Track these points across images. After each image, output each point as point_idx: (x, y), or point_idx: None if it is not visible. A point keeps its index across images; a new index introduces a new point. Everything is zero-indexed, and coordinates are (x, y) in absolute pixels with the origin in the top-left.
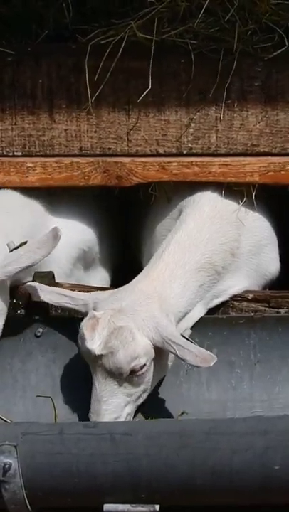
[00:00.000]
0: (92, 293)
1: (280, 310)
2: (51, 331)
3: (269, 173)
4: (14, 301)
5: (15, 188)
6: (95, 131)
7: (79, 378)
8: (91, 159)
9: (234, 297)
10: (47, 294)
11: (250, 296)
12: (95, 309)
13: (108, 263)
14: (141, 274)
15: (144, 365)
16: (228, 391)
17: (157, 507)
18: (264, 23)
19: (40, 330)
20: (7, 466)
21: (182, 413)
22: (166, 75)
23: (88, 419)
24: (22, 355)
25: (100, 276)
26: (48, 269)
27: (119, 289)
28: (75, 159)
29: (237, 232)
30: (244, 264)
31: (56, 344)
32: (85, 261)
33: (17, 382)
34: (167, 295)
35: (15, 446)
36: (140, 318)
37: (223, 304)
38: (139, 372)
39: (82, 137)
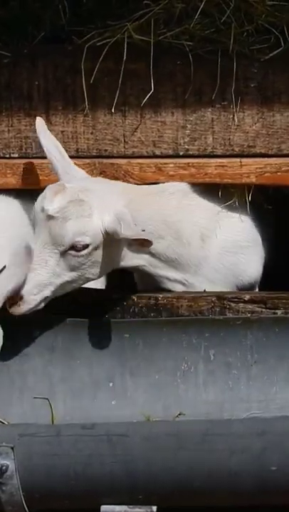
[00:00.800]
0: (76, 171)
1: (276, 311)
2: (48, 332)
3: (265, 175)
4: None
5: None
6: (92, 133)
7: (76, 379)
8: (88, 161)
9: (231, 298)
10: (45, 138)
11: (247, 297)
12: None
13: None
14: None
15: (87, 246)
16: (225, 392)
17: (154, 508)
18: (260, 24)
19: (37, 331)
20: (4, 467)
21: (179, 414)
22: (163, 76)
23: (86, 420)
24: (19, 357)
25: None
26: None
27: (100, 178)
28: (71, 161)
29: (213, 224)
30: (215, 257)
31: (53, 345)
32: None
33: (14, 383)
34: (137, 213)
35: (12, 448)
36: (105, 203)
37: (220, 305)
38: (79, 252)
39: (79, 139)
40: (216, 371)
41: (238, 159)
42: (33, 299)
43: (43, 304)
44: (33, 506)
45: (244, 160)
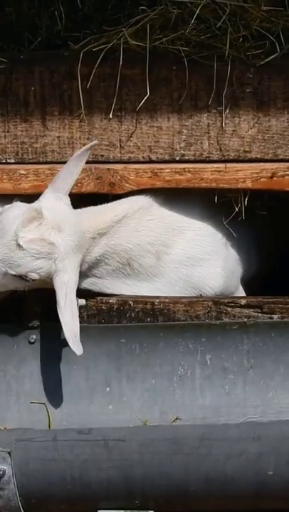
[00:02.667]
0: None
1: (273, 316)
2: (45, 337)
3: (261, 180)
4: (8, 308)
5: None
6: (88, 138)
7: (73, 384)
8: (84, 166)
9: (227, 303)
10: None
11: (243, 301)
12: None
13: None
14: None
15: (34, 280)
16: (222, 397)
17: None
18: (255, 29)
19: (34, 336)
20: (1, 472)
21: (176, 419)
22: (159, 81)
23: (83, 425)
24: (16, 362)
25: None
26: None
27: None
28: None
29: (172, 239)
30: (171, 272)
31: (50, 350)
32: None
33: (11, 388)
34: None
35: (9, 453)
36: (69, 251)
37: (217, 310)
38: (22, 280)
39: (75, 144)
40: (213, 376)
41: (234, 164)
42: None
43: None
44: (30, 511)
45: (240, 165)
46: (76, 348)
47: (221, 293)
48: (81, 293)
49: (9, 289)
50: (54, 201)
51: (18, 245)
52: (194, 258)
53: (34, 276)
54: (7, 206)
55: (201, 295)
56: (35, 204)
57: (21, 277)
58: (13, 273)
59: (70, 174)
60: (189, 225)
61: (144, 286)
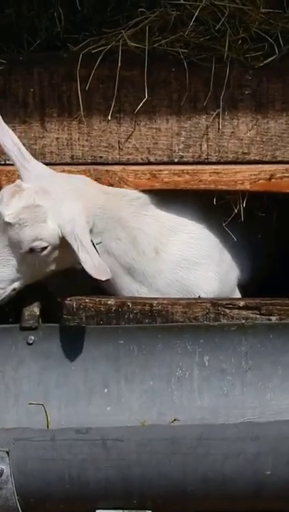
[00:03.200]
0: (35, 167)
1: (271, 317)
2: (43, 338)
3: (260, 181)
4: (6, 309)
5: None
6: (87, 140)
7: (71, 385)
8: (82, 167)
9: (225, 305)
10: (2, 133)
11: (242, 303)
12: (25, 179)
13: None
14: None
15: (45, 247)
16: (220, 398)
17: None
18: (254, 31)
19: (32, 337)
20: None
21: (174, 420)
22: (157, 83)
23: (81, 426)
24: (14, 363)
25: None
26: None
27: (72, 176)
28: (66, 167)
29: (166, 238)
30: (169, 272)
31: (48, 352)
32: None
33: (9, 389)
34: (94, 209)
35: (7, 452)
36: (61, 205)
37: (215, 311)
38: (39, 254)
39: (74, 146)
40: (211, 377)
41: (232, 166)
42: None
43: (13, 294)
44: (28, 510)
45: (238, 167)
46: (101, 276)
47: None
48: (80, 292)
49: (42, 272)
50: (32, 171)
51: (7, 223)
52: (189, 261)
53: (40, 244)
54: None
55: (199, 296)
56: (16, 183)
57: (32, 253)
58: (22, 251)
59: (12, 145)
60: (184, 227)
61: (147, 284)
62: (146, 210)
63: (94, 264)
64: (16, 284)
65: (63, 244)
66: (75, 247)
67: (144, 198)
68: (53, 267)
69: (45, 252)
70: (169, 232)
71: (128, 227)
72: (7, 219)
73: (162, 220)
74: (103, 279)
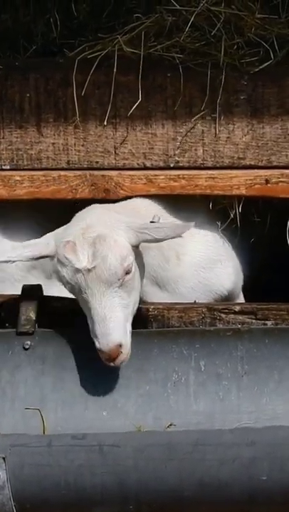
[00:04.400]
0: (50, 233)
1: (266, 322)
2: (39, 343)
3: (255, 186)
4: (2, 314)
5: None
6: (83, 145)
7: (67, 390)
8: (79, 173)
9: (221, 309)
10: (5, 254)
11: (237, 308)
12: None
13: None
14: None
15: (133, 262)
16: (216, 403)
17: None
18: (250, 37)
19: (29, 342)
20: None
21: (170, 425)
22: (153, 88)
23: (78, 431)
24: (10, 368)
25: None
26: None
27: (72, 219)
28: (62, 173)
29: (185, 240)
30: (191, 275)
31: (44, 356)
32: (43, 269)
33: (5, 394)
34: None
35: (3, 458)
36: (109, 224)
37: (211, 316)
38: (131, 272)
39: (70, 151)
40: (207, 382)
41: (228, 171)
42: (127, 340)
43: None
44: None
45: (234, 172)
46: (187, 227)
47: (231, 293)
48: None
49: (139, 288)
50: (49, 237)
51: (89, 270)
52: (210, 259)
53: (128, 259)
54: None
55: (195, 301)
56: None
57: (127, 274)
58: (120, 280)
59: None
60: (198, 229)
61: (170, 290)
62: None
63: (174, 227)
64: (129, 325)
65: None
66: (148, 237)
67: (154, 204)
68: (139, 288)
69: (133, 267)
70: (185, 235)
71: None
72: (89, 266)
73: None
74: (189, 228)
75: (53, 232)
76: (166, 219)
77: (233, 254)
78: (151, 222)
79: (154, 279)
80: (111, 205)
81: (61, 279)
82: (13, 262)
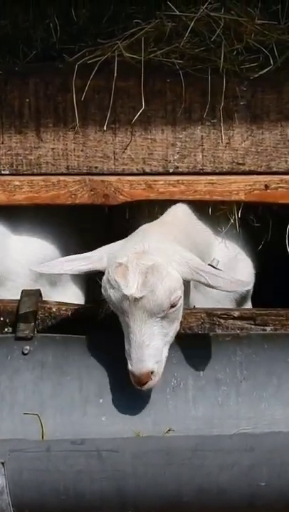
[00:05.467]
0: (103, 247)
1: (265, 327)
2: (38, 348)
3: (254, 192)
4: (1, 319)
5: None
6: (82, 150)
7: (66, 395)
8: (78, 178)
9: (220, 315)
10: (59, 266)
11: (236, 313)
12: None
13: (79, 278)
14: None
15: (181, 297)
16: (215, 408)
17: None
18: (250, 43)
19: (28, 347)
20: None
21: (169, 430)
22: (153, 94)
23: (76, 436)
24: (9, 373)
25: (71, 292)
26: (7, 283)
27: (130, 236)
28: (62, 178)
29: (212, 243)
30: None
31: (43, 361)
32: (48, 276)
33: (4, 399)
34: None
35: (2, 463)
36: (166, 254)
37: (210, 321)
38: (177, 305)
39: (69, 156)
40: (206, 387)
41: (227, 176)
42: (161, 365)
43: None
44: None
45: (233, 177)
46: (241, 287)
47: (248, 291)
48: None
49: (180, 320)
50: (103, 253)
51: (140, 298)
52: (234, 259)
53: (177, 294)
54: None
55: (194, 306)
56: (112, 259)
57: (173, 307)
58: (164, 312)
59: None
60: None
61: (203, 292)
62: (194, 223)
63: (229, 282)
64: (165, 351)
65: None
66: (203, 280)
67: (187, 209)
68: (181, 318)
69: (180, 301)
70: (213, 236)
71: (193, 238)
72: (138, 295)
73: (206, 227)
74: (244, 288)
75: (106, 247)
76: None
77: (249, 253)
78: (209, 264)
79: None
80: (168, 227)
81: (106, 297)
82: (64, 273)
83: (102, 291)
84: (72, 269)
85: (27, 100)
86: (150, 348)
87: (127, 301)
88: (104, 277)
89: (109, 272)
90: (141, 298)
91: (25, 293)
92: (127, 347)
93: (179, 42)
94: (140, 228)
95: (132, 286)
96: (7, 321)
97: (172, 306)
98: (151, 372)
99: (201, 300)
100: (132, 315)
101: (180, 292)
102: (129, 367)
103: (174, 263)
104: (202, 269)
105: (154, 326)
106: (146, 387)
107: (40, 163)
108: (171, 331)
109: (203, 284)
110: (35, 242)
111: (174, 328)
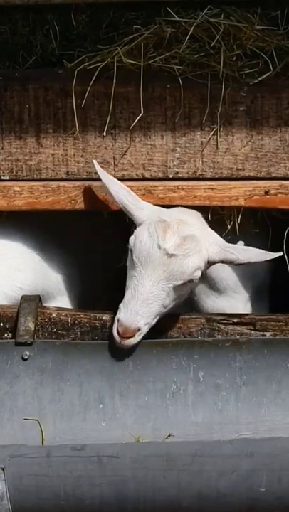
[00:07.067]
0: (144, 202)
1: (265, 333)
2: (38, 354)
3: (254, 197)
4: (1, 324)
5: None
6: (82, 156)
7: (66, 401)
8: (78, 183)
9: (220, 320)
10: (114, 184)
11: (236, 319)
12: (141, 217)
13: (68, 293)
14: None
15: (198, 278)
16: (214, 413)
17: None
18: (249, 48)
19: (27, 353)
20: None
21: (168, 436)
22: (152, 99)
23: (76, 441)
24: (9, 378)
25: (60, 305)
26: None
27: (168, 210)
28: (61, 183)
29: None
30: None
31: (43, 367)
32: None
33: (4, 405)
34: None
35: (2, 469)
36: (203, 231)
37: (209, 327)
38: (192, 282)
39: (69, 161)
40: (205, 393)
41: (227, 182)
42: (146, 329)
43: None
44: None
45: (233, 183)
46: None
47: None
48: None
49: (180, 301)
50: (145, 209)
51: (172, 255)
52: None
53: (198, 273)
54: (132, 237)
55: (193, 311)
56: (153, 216)
57: (189, 283)
58: (181, 282)
59: (123, 190)
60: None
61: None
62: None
63: (259, 253)
64: (155, 320)
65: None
66: (232, 257)
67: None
68: (182, 299)
69: (196, 281)
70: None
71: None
72: (171, 251)
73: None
74: (274, 256)
75: (147, 203)
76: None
77: None
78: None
79: (209, 284)
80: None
81: (136, 244)
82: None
83: (133, 238)
84: (119, 194)
85: (27, 106)
86: (150, 307)
87: (155, 254)
88: (143, 227)
89: (151, 223)
90: (171, 256)
91: (24, 298)
92: (127, 297)
93: (179, 48)
94: (177, 208)
95: (168, 241)
96: (7, 326)
97: (189, 281)
98: (138, 330)
99: (225, 303)
100: (151, 269)
101: (200, 273)
102: (121, 315)
103: (207, 242)
104: (231, 246)
105: (163, 291)
106: (126, 342)
107: (40, 168)
108: (169, 305)
109: (231, 260)
110: (12, 265)
111: (172, 305)
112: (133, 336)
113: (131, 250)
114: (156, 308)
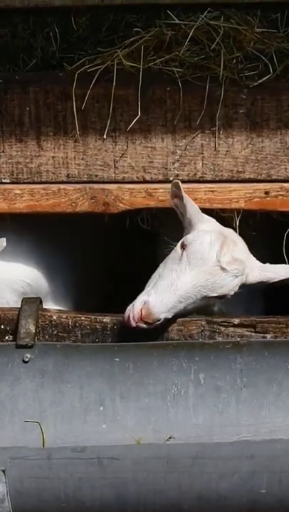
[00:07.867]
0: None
1: (266, 335)
2: (39, 356)
3: (254, 200)
4: (2, 327)
5: None
6: (82, 159)
7: (67, 403)
8: (78, 186)
9: (220, 322)
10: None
11: (237, 321)
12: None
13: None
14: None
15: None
16: (215, 416)
17: None
18: (249, 51)
19: (28, 355)
20: None
21: (169, 438)
22: (152, 102)
23: (77, 444)
24: (10, 381)
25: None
26: None
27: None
28: (62, 186)
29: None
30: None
31: (44, 369)
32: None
33: (5, 407)
34: None
35: (3, 471)
36: (248, 258)
37: (210, 329)
38: (221, 299)
39: (70, 164)
40: (206, 395)
41: (227, 184)
42: (160, 322)
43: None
44: None
45: (233, 185)
46: None
47: None
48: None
49: (194, 310)
50: (206, 223)
51: (223, 269)
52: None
53: (232, 293)
54: (194, 236)
55: (194, 314)
56: (217, 228)
57: (218, 297)
58: (215, 295)
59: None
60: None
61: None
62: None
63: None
64: (171, 315)
65: None
66: (272, 275)
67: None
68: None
69: (224, 300)
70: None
71: None
72: (224, 265)
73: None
74: None
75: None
76: None
77: None
78: None
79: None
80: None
81: (192, 241)
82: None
83: (192, 237)
84: (179, 206)
85: (27, 109)
86: (178, 305)
87: (210, 261)
88: (206, 232)
89: (214, 233)
90: (222, 269)
91: (25, 301)
92: (163, 285)
93: (179, 50)
94: (231, 230)
95: (225, 257)
96: (8, 329)
97: (219, 297)
98: (158, 320)
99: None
100: (197, 272)
101: (232, 293)
102: (151, 298)
103: (249, 268)
104: (269, 266)
105: (195, 295)
106: (140, 324)
107: (41, 171)
108: (187, 311)
109: (272, 279)
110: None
111: (187, 310)
112: (150, 323)
113: (184, 245)
114: (180, 309)
